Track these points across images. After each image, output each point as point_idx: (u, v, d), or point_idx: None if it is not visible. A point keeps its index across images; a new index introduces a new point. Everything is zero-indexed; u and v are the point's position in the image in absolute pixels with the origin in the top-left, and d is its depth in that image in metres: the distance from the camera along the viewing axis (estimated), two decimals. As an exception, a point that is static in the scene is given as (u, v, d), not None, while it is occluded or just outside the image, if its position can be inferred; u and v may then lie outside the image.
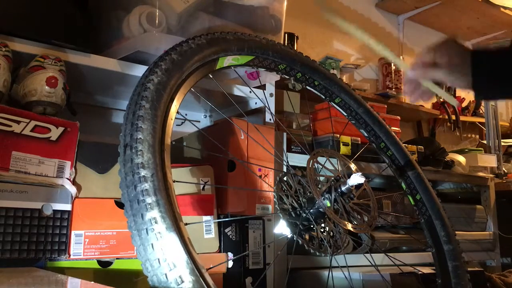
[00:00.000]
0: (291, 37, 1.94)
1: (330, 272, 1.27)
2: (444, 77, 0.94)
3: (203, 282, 0.68)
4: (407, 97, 1.10)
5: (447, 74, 0.93)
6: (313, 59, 1.19)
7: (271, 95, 1.42)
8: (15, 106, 0.93)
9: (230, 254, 1.12)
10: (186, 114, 1.57)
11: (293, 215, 0.97)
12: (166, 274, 0.67)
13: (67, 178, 0.95)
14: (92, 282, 0.74)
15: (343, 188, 0.95)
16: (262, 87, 1.37)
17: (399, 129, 1.86)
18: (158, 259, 0.68)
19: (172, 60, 0.86)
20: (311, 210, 0.96)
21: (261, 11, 1.28)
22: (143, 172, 0.72)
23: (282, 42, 1.27)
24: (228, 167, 1.18)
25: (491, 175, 2.15)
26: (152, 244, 0.68)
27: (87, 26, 1.14)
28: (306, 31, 2.17)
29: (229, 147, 1.18)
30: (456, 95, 2.72)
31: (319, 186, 0.99)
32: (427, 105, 2.61)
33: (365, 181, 0.93)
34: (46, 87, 0.94)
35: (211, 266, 1.03)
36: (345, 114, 1.25)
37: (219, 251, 1.11)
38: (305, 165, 0.98)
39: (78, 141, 0.98)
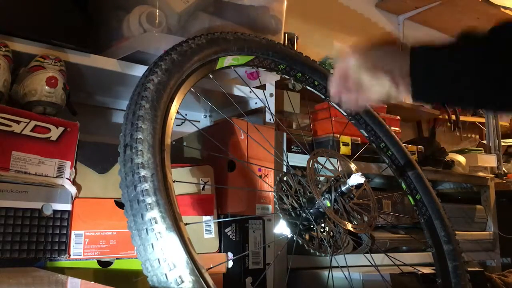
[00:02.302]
0: (291, 37, 1.93)
1: (330, 272, 1.27)
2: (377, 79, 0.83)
3: (203, 282, 0.68)
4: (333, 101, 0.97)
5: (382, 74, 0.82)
6: (313, 59, 1.19)
7: (271, 95, 1.42)
8: (15, 106, 0.93)
9: (230, 254, 1.12)
10: (186, 114, 1.57)
11: (293, 215, 0.97)
12: (166, 274, 0.67)
13: (67, 178, 0.95)
14: (92, 282, 0.74)
15: (343, 188, 0.95)
16: (262, 87, 1.37)
17: (399, 129, 1.86)
18: (158, 259, 0.68)
19: (172, 60, 0.86)
20: (311, 210, 0.96)
21: (261, 11, 1.28)
22: (143, 172, 0.72)
23: (282, 42, 1.27)
24: (228, 167, 1.18)
25: (491, 175, 2.15)
26: (152, 244, 0.68)
27: (87, 26, 1.14)
28: (306, 31, 2.17)
29: (229, 147, 1.18)
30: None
31: (319, 186, 0.99)
32: (427, 105, 2.61)
33: (365, 181, 0.93)
34: (46, 87, 0.94)
35: (211, 266, 1.03)
36: (345, 114, 1.25)
37: (219, 251, 1.11)
38: (305, 165, 0.98)
39: (78, 141, 0.98)
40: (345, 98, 0.87)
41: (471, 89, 0.76)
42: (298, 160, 1.46)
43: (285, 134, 1.47)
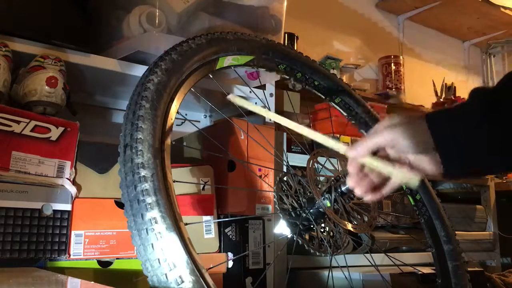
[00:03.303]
0: (291, 37, 1.94)
1: (330, 272, 1.27)
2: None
3: (203, 282, 0.68)
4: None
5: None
6: (313, 59, 1.19)
7: (271, 95, 1.42)
8: (15, 106, 0.93)
9: (230, 254, 1.12)
10: (186, 114, 1.56)
11: (293, 215, 0.97)
12: (166, 274, 0.67)
13: (67, 178, 0.94)
14: (92, 282, 0.74)
15: (343, 188, 0.95)
16: (262, 87, 1.37)
17: (399, 129, 1.86)
18: (158, 259, 0.68)
19: (172, 60, 0.86)
20: (311, 210, 0.96)
21: (261, 11, 1.28)
22: (143, 172, 0.72)
23: (282, 42, 1.27)
24: (228, 167, 1.18)
25: (491, 175, 2.15)
26: (152, 244, 0.68)
27: (87, 26, 1.14)
28: (306, 31, 2.17)
29: (229, 147, 1.18)
30: (456, 94, 2.72)
31: (319, 186, 0.99)
32: (427, 105, 2.62)
33: (365, 181, 0.93)
34: (46, 87, 0.94)
35: (211, 266, 1.03)
36: (345, 114, 1.25)
37: (219, 251, 1.11)
38: (305, 165, 0.98)
39: (78, 141, 0.98)
40: (367, 195, 0.77)
41: (490, 149, 0.68)
42: (298, 160, 1.46)
43: (285, 134, 1.47)
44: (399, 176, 0.74)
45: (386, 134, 0.72)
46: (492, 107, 0.67)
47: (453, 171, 0.72)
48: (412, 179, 0.73)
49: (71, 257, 0.93)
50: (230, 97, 0.81)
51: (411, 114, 0.73)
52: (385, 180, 0.76)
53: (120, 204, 0.99)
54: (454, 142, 0.69)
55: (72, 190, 0.95)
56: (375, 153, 0.74)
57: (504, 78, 0.69)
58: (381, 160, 0.73)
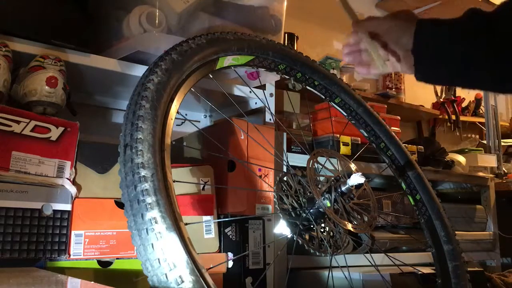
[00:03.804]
0: (291, 37, 1.94)
1: (330, 272, 1.27)
2: (385, 51, 0.83)
3: (203, 282, 0.68)
4: (344, 60, 0.98)
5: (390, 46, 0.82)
6: (313, 59, 1.19)
7: (271, 95, 1.42)
8: (15, 106, 0.93)
9: (230, 254, 1.12)
10: (186, 114, 1.57)
11: (293, 215, 0.97)
12: (166, 274, 0.67)
13: (67, 178, 0.95)
14: (92, 282, 0.74)
15: (343, 188, 0.95)
16: (262, 87, 1.37)
17: (399, 129, 1.86)
18: (158, 259, 0.68)
19: (172, 60, 0.86)
20: (311, 210, 0.96)
21: (261, 11, 1.28)
22: (143, 172, 0.72)
23: (282, 42, 1.27)
24: (228, 167, 1.18)
25: (491, 175, 2.15)
26: (152, 244, 0.68)
27: (87, 26, 1.14)
28: (306, 31, 2.17)
29: (229, 147, 1.18)
30: (456, 94, 2.72)
31: (319, 186, 0.99)
32: (427, 105, 2.62)
33: (365, 181, 0.93)
34: (46, 87, 0.94)
35: (211, 266, 1.03)
36: (345, 114, 1.25)
37: (219, 251, 1.11)
38: (305, 165, 0.98)
39: (78, 141, 0.98)
40: (357, 66, 0.90)
41: (480, 68, 0.72)
42: (298, 160, 1.46)
43: (285, 134, 1.47)
44: (376, 59, 0.85)
45: (386, 21, 0.83)
46: (483, 23, 0.70)
47: (421, 77, 0.79)
48: (383, 68, 0.85)
49: (71, 257, 0.93)
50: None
51: (414, 16, 0.80)
52: (371, 61, 0.87)
53: (120, 204, 0.99)
54: (431, 50, 0.75)
55: (72, 190, 0.95)
56: (375, 37, 0.84)
57: (502, 3, 0.72)
58: (375, 42, 0.84)
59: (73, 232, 0.94)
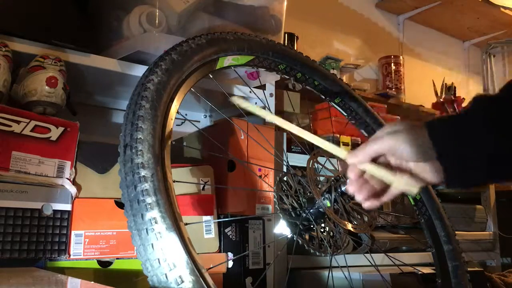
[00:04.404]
0: (291, 37, 1.93)
1: (330, 272, 1.27)
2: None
3: (203, 282, 0.68)
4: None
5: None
6: (313, 59, 1.19)
7: (271, 95, 1.42)
8: (15, 106, 0.93)
9: (230, 254, 1.12)
10: (186, 114, 1.56)
11: (293, 215, 0.97)
12: (166, 274, 0.67)
13: (67, 178, 0.94)
14: (92, 282, 0.74)
15: (343, 188, 0.95)
16: (262, 87, 1.37)
17: (399, 129, 1.86)
18: (158, 259, 0.68)
19: (172, 60, 0.86)
20: (311, 210, 0.96)
21: (261, 11, 1.28)
22: (143, 172, 0.72)
23: (282, 42, 1.27)
24: (228, 167, 1.18)
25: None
26: (152, 244, 0.68)
27: (87, 26, 1.14)
28: (306, 31, 2.17)
29: (229, 147, 1.18)
30: (456, 94, 2.72)
31: (319, 186, 0.99)
32: (427, 105, 2.61)
33: (365, 181, 0.93)
34: (46, 87, 0.94)
35: (211, 266, 1.03)
36: (345, 114, 1.25)
37: (219, 251, 1.11)
38: (305, 165, 0.98)
39: (78, 141, 0.98)
40: (367, 202, 0.75)
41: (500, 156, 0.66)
42: (298, 160, 1.46)
43: (285, 134, 1.47)
44: (400, 184, 0.73)
45: (387, 141, 0.71)
46: (496, 115, 0.65)
47: (454, 180, 0.70)
48: (412, 188, 0.72)
49: (71, 257, 0.93)
50: (233, 99, 0.80)
51: (413, 122, 0.72)
52: (385, 187, 0.75)
53: (120, 204, 0.99)
54: (455, 151, 0.68)
55: (72, 190, 0.95)
56: (375, 159, 0.73)
57: (506, 85, 0.68)
58: (381, 167, 0.72)
59: (73, 232, 0.94)
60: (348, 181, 0.77)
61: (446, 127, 0.69)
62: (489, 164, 0.67)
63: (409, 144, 0.69)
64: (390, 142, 0.70)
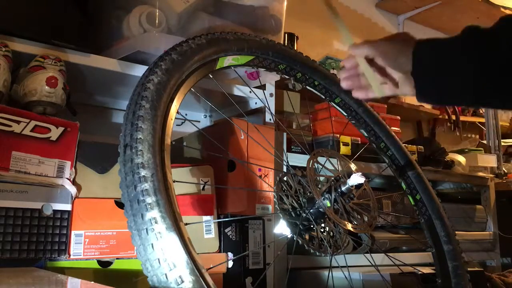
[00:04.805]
0: (291, 37, 1.93)
1: (330, 272, 1.27)
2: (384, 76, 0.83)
3: (203, 282, 0.68)
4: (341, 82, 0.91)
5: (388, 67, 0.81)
6: (313, 59, 1.19)
7: (271, 95, 1.42)
8: (15, 106, 0.93)
9: (230, 254, 1.12)
10: (186, 114, 1.57)
11: (293, 215, 0.97)
12: (166, 274, 0.67)
13: (67, 178, 0.94)
14: (92, 282, 0.74)
15: (343, 188, 0.95)
16: (262, 87, 1.37)
17: (399, 129, 1.86)
18: (158, 259, 0.68)
19: (172, 60, 0.86)
20: (311, 210, 0.96)
21: (261, 11, 1.28)
22: (143, 172, 0.72)
23: (282, 42, 1.27)
24: (228, 167, 1.18)
25: (491, 175, 2.15)
26: (152, 244, 0.68)
27: (87, 26, 1.14)
28: (306, 31, 2.17)
29: (229, 147, 1.18)
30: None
31: (319, 186, 0.99)
32: (427, 105, 2.61)
33: (365, 181, 0.93)
34: (46, 87, 0.94)
35: (211, 266, 1.03)
36: (345, 114, 1.25)
37: (219, 251, 1.11)
38: (305, 165, 0.98)
39: (78, 141, 0.98)
40: (355, 91, 0.88)
41: (472, 84, 0.71)
42: (298, 160, 1.46)
43: (285, 134, 1.47)
44: (374, 86, 0.84)
45: (382, 44, 0.81)
46: (482, 42, 0.69)
47: (423, 98, 0.78)
48: (377, 90, 0.84)
49: (71, 257, 0.93)
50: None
51: (411, 37, 0.80)
52: (368, 85, 0.85)
53: (120, 204, 0.99)
54: (431, 69, 0.74)
55: (72, 190, 0.95)
56: (372, 60, 0.83)
57: (500, 20, 0.71)
58: (371, 67, 0.83)
59: (73, 232, 0.94)
60: (342, 70, 0.88)
61: (431, 45, 0.76)
62: (462, 85, 0.72)
63: (395, 53, 0.79)
64: (382, 46, 0.81)
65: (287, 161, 1.31)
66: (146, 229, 0.69)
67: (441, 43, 0.75)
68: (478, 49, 0.70)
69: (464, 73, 0.71)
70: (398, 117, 1.92)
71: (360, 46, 0.84)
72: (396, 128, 1.84)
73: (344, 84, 0.88)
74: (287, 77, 1.15)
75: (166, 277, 0.67)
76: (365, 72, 0.84)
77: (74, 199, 0.95)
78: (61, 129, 0.95)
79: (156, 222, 0.69)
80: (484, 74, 0.69)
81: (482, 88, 0.71)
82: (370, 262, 1.23)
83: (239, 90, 1.34)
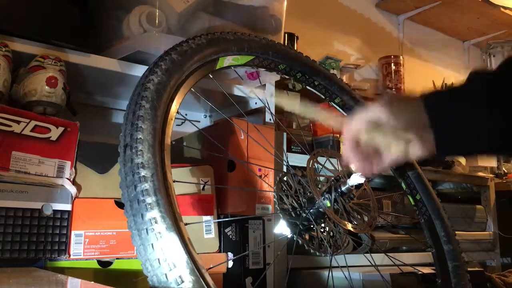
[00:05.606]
0: (291, 37, 1.93)
1: (330, 272, 1.27)
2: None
3: (203, 282, 0.68)
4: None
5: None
6: (313, 59, 1.19)
7: (271, 95, 1.42)
8: (15, 106, 0.93)
9: (230, 254, 1.12)
10: (186, 114, 1.57)
11: (293, 215, 0.97)
12: (166, 274, 0.67)
13: (67, 178, 0.95)
14: (92, 282, 0.74)
15: (343, 188, 0.95)
16: (262, 87, 1.37)
17: (399, 129, 1.86)
18: (158, 259, 0.68)
19: (172, 60, 0.86)
20: (311, 210, 0.96)
21: (261, 11, 1.28)
22: (143, 172, 0.72)
23: (282, 42, 1.27)
24: (228, 167, 1.18)
25: (491, 175, 2.15)
26: (152, 244, 0.68)
27: (87, 26, 1.14)
28: (306, 31, 2.17)
29: (229, 147, 1.18)
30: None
31: (319, 186, 0.99)
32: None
33: (365, 181, 0.93)
34: (46, 87, 0.94)
35: (211, 266, 1.03)
36: (345, 114, 1.25)
37: (219, 251, 1.11)
38: (305, 165, 0.98)
39: (78, 141, 0.98)
40: (360, 166, 0.77)
41: (499, 134, 0.67)
42: (298, 160, 1.46)
43: (285, 134, 1.47)
44: (393, 148, 0.73)
45: (382, 109, 0.72)
46: (494, 88, 0.66)
47: (445, 151, 0.71)
48: (406, 153, 0.73)
49: (71, 257, 0.93)
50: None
51: (407, 95, 0.74)
52: (379, 153, 0.75)
53: (120, 204, 0.99)
54: (449, 121, 0.69)
55: (72, 190, 0.95)
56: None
57: (504, 61, 0.69)
58: (374, 133, 0.74)
59: (73, 232, 0.94)
60: (344, 148, 0.78)
61: (441, 98, 0.70)
62: (480, 134, 0.68)
63: (402, 114, 0.71)
64: (384, 110, 0.72)
65: (287, 161, 1.31)
66: (146, 229, 0.69)
67: (450, 93, 0.70)
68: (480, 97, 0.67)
69: (481, 121, 0.68)
70: (398, 117, 1.91)
71: (356, 117, 0.74)
72: (396, 128, 1.84)
73: (355, 162, 0.77)
74: (287, 77, 1.15)
75: (166, 277, 0.67)
76: (374, 137, 0.74)
77: (74, 199, 0.95)
78: (61, 129, 0.95)
79: (156, 222, 0.69)
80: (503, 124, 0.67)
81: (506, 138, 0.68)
82: (370, 262, 1.23)
83: (239, 90, 1.34)
